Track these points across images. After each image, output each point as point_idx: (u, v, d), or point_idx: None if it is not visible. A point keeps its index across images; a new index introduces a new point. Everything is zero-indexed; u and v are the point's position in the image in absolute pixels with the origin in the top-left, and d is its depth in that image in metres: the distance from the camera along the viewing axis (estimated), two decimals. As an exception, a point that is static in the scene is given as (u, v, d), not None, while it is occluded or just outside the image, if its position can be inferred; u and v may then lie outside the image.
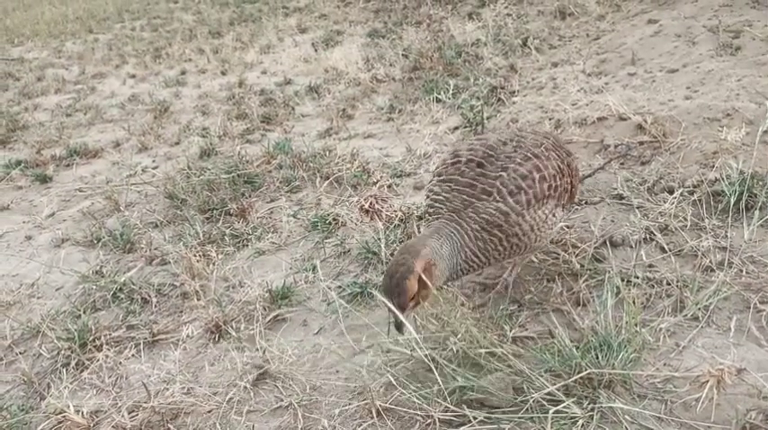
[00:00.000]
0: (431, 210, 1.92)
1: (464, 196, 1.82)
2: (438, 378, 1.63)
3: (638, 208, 2.42)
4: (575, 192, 2.10)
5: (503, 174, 1.82)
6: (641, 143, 2.83)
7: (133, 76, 6.94)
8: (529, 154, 1.87)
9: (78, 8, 13.69)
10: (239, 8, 10.43)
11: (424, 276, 1.65)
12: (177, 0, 12.68)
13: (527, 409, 1.57)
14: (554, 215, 1.93)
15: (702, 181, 2.42)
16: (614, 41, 4.41)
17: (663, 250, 2.17)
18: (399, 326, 1.65)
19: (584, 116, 3.13)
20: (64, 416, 1.88)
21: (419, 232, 2.42)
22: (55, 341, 2.23)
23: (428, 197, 1.96)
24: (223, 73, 6.44)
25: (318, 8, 8.92)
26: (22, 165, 4.33)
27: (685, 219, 2.27)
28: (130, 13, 12.01)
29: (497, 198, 1.78)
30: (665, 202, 2.37)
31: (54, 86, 6.86)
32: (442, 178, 1.92)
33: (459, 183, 1.85)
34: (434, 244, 1.74)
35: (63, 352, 2.19)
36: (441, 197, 1.88)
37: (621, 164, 2.78)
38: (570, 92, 3.51)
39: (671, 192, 2.44)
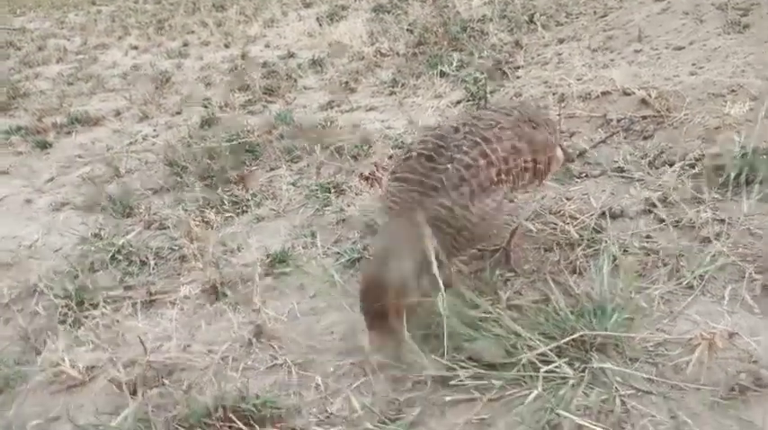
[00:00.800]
0: (387, 209, 1.85)
1: (414, 194, 1.75)
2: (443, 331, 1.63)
3: (638, 181, 2.41)
4: (544, 168, 1.97)
5: (449, 166, 1.74)
6: (644, 117, 2.81)
7: (135, 48, 6.91)
8: (477, 139, 1.79)
9: (82, -20, 13.57)
10: (244, -18, 10.35)
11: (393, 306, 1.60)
12: (182, -27, 12.59)
13: (519, 368, 1.57)
14: (512, 201, 1.85)
15: (704, 155, 2.40)
16: (621, 18, 4.36)
17: (661, 221, 2.16)
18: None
19: (589, 90, 3.11)
20: (59, 370, 1.90)
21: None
22: (52, 298, 2.24)
23: (386, 198, 1.88)
24: (226, 45, 6.40)
25: (324, -18, 8.84)
26: (23, 131, 4.32)
27: (685, 192, 2.26)
28: (134, -14, 11.93)
29: (441, 194, 1.72)
30: (665, 175, 2.36)
31: (56, 56, 6.83)
32: (396, 176, 1.86)
33: (410, 181, 1.78)
34: (395, 265, 1.64)
35: (60, 309, 2.20)
36: (396, 198, 1.80)
37: (624, 138, 2.76)
38: (575, 67, 3.48)
39: (672, 165, 2.43)
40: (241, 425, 1.48)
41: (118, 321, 2.12)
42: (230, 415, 1.51)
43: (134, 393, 1.76)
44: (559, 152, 2.11)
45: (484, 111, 2.03)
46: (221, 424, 1.50)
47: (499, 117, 1.92)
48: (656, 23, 4.01)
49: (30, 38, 8.15)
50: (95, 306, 2.20)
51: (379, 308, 1.58)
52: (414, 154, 1.83)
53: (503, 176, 1.78)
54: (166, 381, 1.81)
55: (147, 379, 1.82)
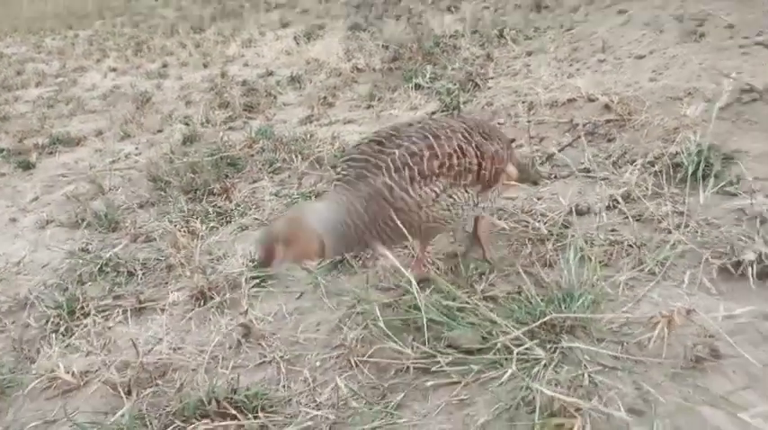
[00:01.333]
0: (333, 182, 1.99)
1: (358, 170, 1.87)
2: (424, 317, 1.73)
3: (603, 179, 2.55)
4: (488, 176, 2.05)
5: (396, 151, 1.87)
6: (608, 121, 2.97)
7: (114, 70, 6.98)
8: (428, 134, 1.93)
9: (57, 5, 13.62)
10: (221, 4, 10.49)
11: (296, 243, 1.75)
12: (158, -3, 12.70)
13: (495, 352, 1.68)
14: (451, 196, 1.94)
15: (663, 153, 2.55)
16: (586, 31, 4.57)
17: (625, 216, 2.30)
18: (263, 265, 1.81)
19: (556, 98, 3.27)
20: (54, 376, 1.96)
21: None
22: (44, 309, 2.30)
23: (333, 175, 2.03)
24: (205, 65, 6.51)
25: (300, 3, 9.02)
26: (5, 152, 4.36)
27: (647, 188, 2.40)
28: (111, 10, 12.00)
29: (383, 173, 1.85)
30: (628, 174, 2.50)
31: (34, 80, 6.87)
32: (344, 157, 2.00)
33: (357, 159, 1.92)
34: (320, 208, 1.82)
35: (52, 319, 2.26)
36: (340, 174, 1.94)
37: (589, 141, 2.91)
38: (543, 76, 3.65)
39: (634, 164, 2.57)
40: (234, 412, 1.56)
41: (109, 328, 2.18)
42: (224, 404, 1.59)
43: (129, 394, 1.83)
44: (511, 168, 2.21)
45: (443, 117, 2.18)
46: (215, 413, 1.57)
47: (454, 122, 2.07)
48: (618, 35, 4.22)
49: (7, 62, 8.17)
50: (86, 315, 2.26)
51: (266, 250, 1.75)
52: (366, 140, 1.98)
53: (444, 170, 1.90)
54: (159, 382, 1.88)
55: (140, 380, 1.88)
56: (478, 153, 2.00)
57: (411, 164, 1.85)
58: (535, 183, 2.48)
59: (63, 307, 2.27)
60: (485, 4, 6.14)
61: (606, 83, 3.36)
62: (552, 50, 4.20)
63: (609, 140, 2.86)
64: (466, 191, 2.00)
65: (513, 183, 2.29)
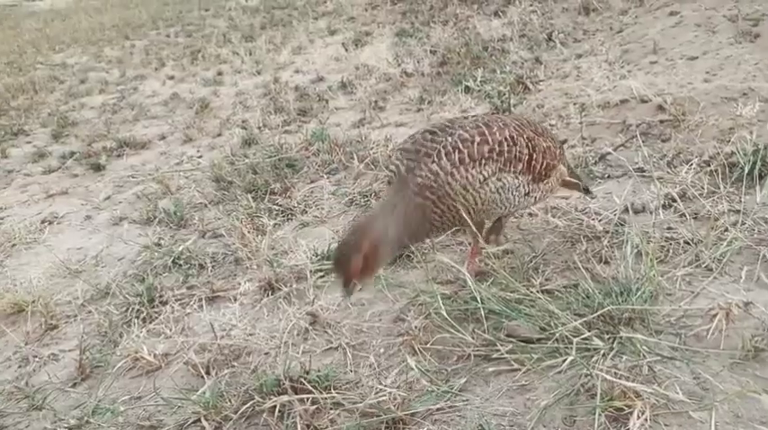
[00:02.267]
0: (387, 179, 2.06)
1: (409, 161, 1.91)
2: (481, 306, 1.82)
3: (657, 179, 2.58)
4: (539, 168, 2.07)
5: (448, 138, 1.90)
6: (661, 122, 2.99)
7: (172, 78, 7.30)
8: (480, 123, 1.97)
9: (114, 17, 14.25)
10: (269, 14, 10.80)
11: (368, 256, 1.81)
12: (209, 8, 13.14)
13: (553, 342, 1.75)
14: (500, 179, 1.95)
15: (719, 153, 2.57)
16: (637, 33, 4.57)
17: (681, 214, 2.33)
18: (347, 293, 1.90)
19: (608, 99, 3.31)
20: (138, 357, 2.13)
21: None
22: (125, 297, 2.48)
23: (386, 168, 2.10)
24: (258, 72, 6.75)
25: (347, 11, 9.22)
26: (77, 155, 4.65)
27: (702, 188, 2.43)
28: (164, 21, 12.47)
29: (434, 159, 1.86)
30: (683, 173, 2.53)
31: (98, 87, 7.25)
32: (399, 147, 2.05)
33: (409, 150, 1.95)
34: (381, 223, 1.85)
35: (132, 307, 2.44)
36: (392, 166, 1.98)
37: (643, 141, 2.94)
38: (594, 78, 3.68)
39: (689, 164, 2.60)
40: (311, 388, 1.68)
41: (187, 314, 2.35)
42: (299, 383, 1.71)
43: (207, 373, 1.97)
44: (563, 168, 2.26)
45: (497, 115, 2.25)
46: (291, 389, 1.69)
47: (507, 118, 2.14)
48: (670, 36, 4.21)
49: (71, 72, 8.62)
50: (164, 303, 2.44)
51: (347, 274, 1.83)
52: (421, 130, 2.04)
53: (494, 155, 1.92)
54: (235, 363, 2.02)
55: (218, 361, 2.03)
56: (530, 144, 2.03)
57: (461, 148, 1.88)
58: (587, 191, 2.50)
59: (143, 295, 2.45)
60: (532, 8, 6.18)
61: (659, 84, 3.38)
62: (603, 53, 4.23)
63: (663, 140, 2.88)
64: (516, 177, 2.00)
65: (565, 187, 2.35)
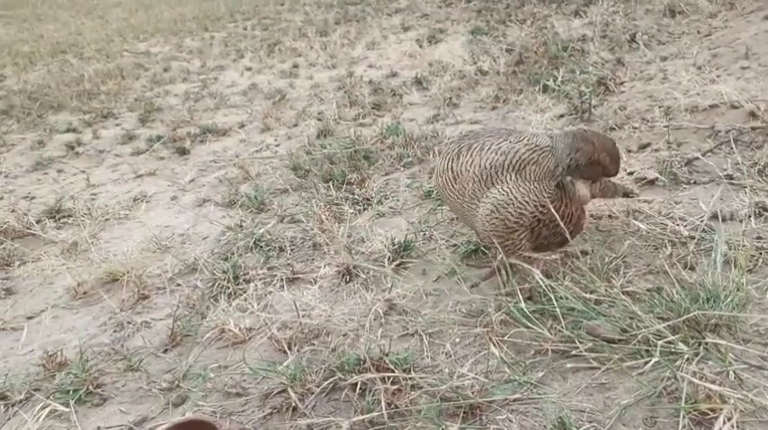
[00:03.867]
0: None
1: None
2: (556, 306, 1.83)
3: (748, 187, 2.50)
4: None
5: None
6: (753, 129, 2.88)
7: (249, 69, 7.54)
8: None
9: (194, 8, 14.83)
10: (343, 9, 10.97)
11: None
12: (284, 2, 13.47)
13: (635, 343, 1.74)
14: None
15: (817, 163, 2.46)
16: (727, 37, 4.39)
17: (773, 224, 2.26)
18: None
19: (695, 104, 3.21)
20: (224, 329, 2.25)
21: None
22: (211, 273, 2.62)
23: None
24: (333, 66, 6.88)
25: (420, 8, 9.25)
26: (163, 139, 4.91)
27: (797, 198, 2.34)
28: (241, 14, 12.87)
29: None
30: (776, 182, 2.44)
31: (180, 76, 7.58)
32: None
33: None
34: None
35: (218, 283, 2.58)
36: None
37: (732, 148, 2.85)
38: (681, 82, 3.57)
39: (783, 173, 2.50)
40: (392, 367, 1.74)
41: (269, 293, 2.46)
42: (380, 362, 1.78)
43: (290, 348, 2.07)
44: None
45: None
46: (373, 366, 1.76)
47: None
48: (763, 41, 4.03)
49: (155, 60, 9.04)
50: (248, 281, 2.56)
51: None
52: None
53: None
54: (315, 342, 2.11)
55: (299, 339, 2.13)
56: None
57: None
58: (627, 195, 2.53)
59: (228, 272, 2.58)
60: (614, 8, 6.02)
61: (751, 90, 3.25)
62: (691, 56, 4.09)
63: (754, 148, 2.78)
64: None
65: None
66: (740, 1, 5.25)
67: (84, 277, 2.82)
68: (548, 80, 4.14)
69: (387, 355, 1.86)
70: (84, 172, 4.51)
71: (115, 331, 2.46)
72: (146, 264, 2.93)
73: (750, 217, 2.31)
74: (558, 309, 1.91)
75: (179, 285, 2.69)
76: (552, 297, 1.93)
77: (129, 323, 2.48)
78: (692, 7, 5.49)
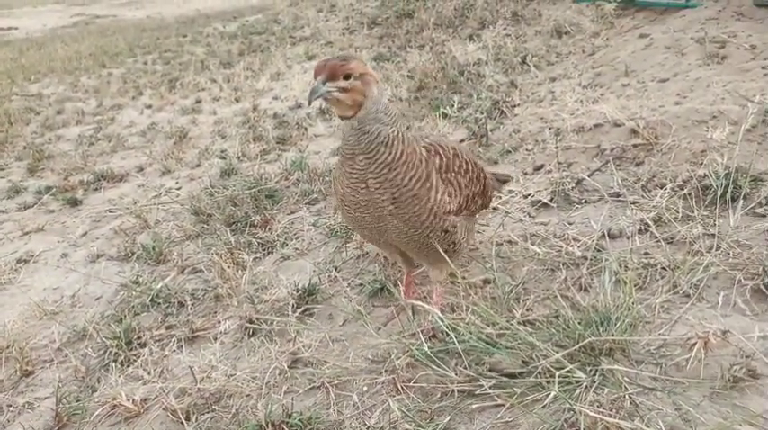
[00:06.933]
0: None
1: None
2: (457, 345, 1.81)
3: (633, 203, 2.62)
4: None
5: None
6: (635, 146, 3.04)
7: (150, 107, 7.26)
8: None
9: (90, 45, 14.17)
10: (247, 39, 10.83)
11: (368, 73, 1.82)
12: (186, 34, 13.15)
13: (536, 375, 1.75)
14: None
15: (692, 176, 2.62)
16: (608, 56, 4.66)
17: (656, 239, 2.36)
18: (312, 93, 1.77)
19: (582, 124, 3.36)
20: (116, 403, 2.08)
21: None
22: (102, 340, 2.43)
23: None
24: (236, 100, 6.74)
25: (324, 36, 9.28)
26: (53, 190, 4.59)
27: (677, 211, 2.47)
28: (141, 48, 12.44)
29: None
30: (657, 197, 2.57)
31: (74, 118, 7.18)
32: None
33: None
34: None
35: (110, 349, 2.39)
36: None
37: (617, 166, 2.99)
38: (568, 103, 3.74)
39: (663, 188, 2.64)
40: (294, 432, 1.65)
41: (165, 356, 2.31)
42: (281, 428, 1.69)
43: (188, 419, 1.93)
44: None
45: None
46: (274, 435, 1.67)
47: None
48: (640, 59, 4.30)
49: (47, 102, 8.53)
50: (143, 345, 2.39)
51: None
52: None
53: None
54: (216, 407, 1.98)
55: (198, 406, 1.99)
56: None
57: None
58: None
59: (120, 337, 2.40)
60: (506, 31, 6.28)
61: (631, 107, 3.44)
62: (576, 76, 4.30)
63: (637, 164, 2.93)
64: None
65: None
66: (619, 20, 5.61)
67: (-44, 357, 2.54)
68: (446, 107, 4.21)
69: (290, 417, 1.77)
70: (-39, 233, 4.12)
71: (-7, 417, 2.22)
72: (30, 334, 2.69)
73: (636, 233, 2.41)
74: (459, 347, 1.89)
75: (66, 356, 2.47)
76: (453, 336, 1.91)
77: (9, 406, 2.25)
78: (577, 27, 5.81)
